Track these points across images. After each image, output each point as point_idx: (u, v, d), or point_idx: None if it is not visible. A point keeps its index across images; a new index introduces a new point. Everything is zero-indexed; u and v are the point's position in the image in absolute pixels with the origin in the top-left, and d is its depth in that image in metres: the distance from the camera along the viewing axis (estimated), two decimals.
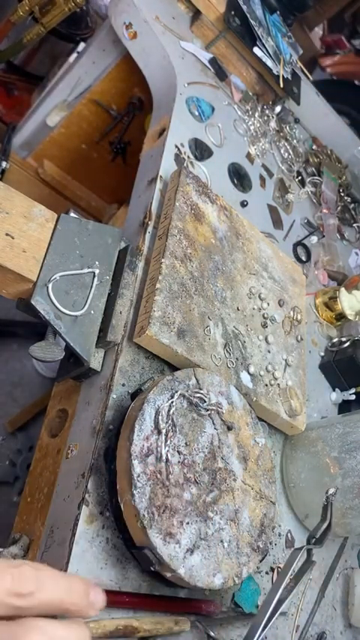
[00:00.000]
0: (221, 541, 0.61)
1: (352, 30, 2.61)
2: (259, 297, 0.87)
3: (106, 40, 1.29)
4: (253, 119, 1.23)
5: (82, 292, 0.68)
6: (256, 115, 1.24)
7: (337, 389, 1.03)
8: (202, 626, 0.62)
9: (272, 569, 0.76)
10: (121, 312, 0.71)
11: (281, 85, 1.25)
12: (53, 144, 1.48)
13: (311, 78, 1.55)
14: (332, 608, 0.83)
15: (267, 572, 0.75)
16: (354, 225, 1.43)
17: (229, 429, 0.68)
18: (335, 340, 1.07)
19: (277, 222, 1.15)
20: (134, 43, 1.12)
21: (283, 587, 0.59)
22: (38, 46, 1.81)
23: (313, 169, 1.38)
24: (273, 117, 1.29)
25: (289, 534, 0.81)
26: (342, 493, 0.75)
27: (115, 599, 0.56)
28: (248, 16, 1.19)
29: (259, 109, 1.27)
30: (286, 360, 0.86)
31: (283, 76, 1.26)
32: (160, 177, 0.88)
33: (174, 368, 0.73)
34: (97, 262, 0.71)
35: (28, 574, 0.31)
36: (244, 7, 1.19)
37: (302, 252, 1.17)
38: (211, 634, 0.62)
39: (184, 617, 0.61)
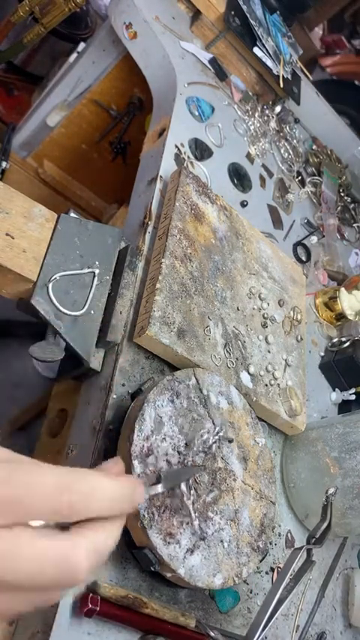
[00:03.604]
0: (221, 541, 0.61)
1: (352, 30, 2.61)
2: (259, 297, 0.87)
3: (106, 40, 1.29)
4: (253, 119, 1.23)
5: (82, 292, 0.68)
6: (256, 115, 1.24)
7: (337, 389, 1.03)
8: (203, 626, 0.62)
9: (272, 569, 0.76)
10: (121, 312, 0.71)
11: (281, 85, 1.25)
12: (53, 144, 1.48)
13: (311, 78, 1.55)
14: (332, 608, 0.83)
15: (267, 572, 0.75)
16: (354, 225, 1.43)
17: (230, 442, 0.68)
18: (335, 340, 1.07)
19: (277, 222, 1.15)
20: (134, 43, 1.12)
21: (283, 587, 0.59)
22: (38, 46, 1.81)
23: (313, 169, 1.38)
24: (273, 117, 1.29)
25: (289, 534, 0.81)
26: (342, 493, 0.75)
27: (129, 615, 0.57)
28: (248, 16, 1.19)
29: (259, 109, 1.27)
30: (286, 360, 0.86)
31: (283, 76, 1.26)
32: (160, 177, 0.88)
33: (174, 368, 0.73)
34: (97, 262, 0.71)
35: (77, 496, 0.31)
36: (244, 7, 1.19)
37: (302, 252, 1.17)
38: (211, 634, 0.62)
39: (191, 613, 0.61)
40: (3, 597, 0.30)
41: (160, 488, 0.43)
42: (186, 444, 0.62)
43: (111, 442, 0.63)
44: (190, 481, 0.59)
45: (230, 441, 0.67)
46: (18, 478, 0.30)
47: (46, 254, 0.66)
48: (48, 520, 0.30)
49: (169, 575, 0.58)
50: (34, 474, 0.30)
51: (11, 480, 0.30)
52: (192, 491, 0.59)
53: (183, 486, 0.57)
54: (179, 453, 0.61)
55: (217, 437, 0.65)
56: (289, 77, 1.30)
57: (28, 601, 0.31)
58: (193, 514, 0.58)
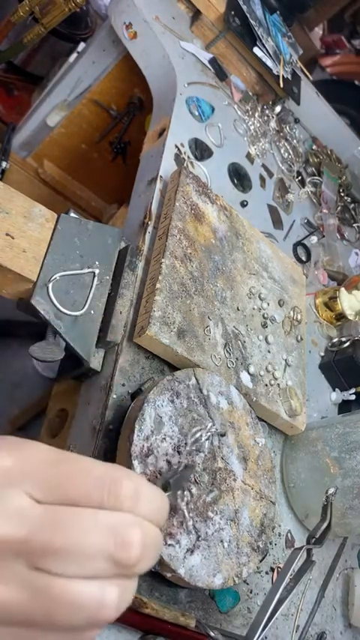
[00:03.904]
0: (221, 541, 0.61)
1: (352, 30, 2.61)
2: (259, 297, 0.87)
3: (106, 40, 1.29)
4: (253, 119, 1.23)
5: (82, 292, 0.68)
6: (256, 115, 1.24)
7: (337, 389, 1.03)
8: (203, 626, 0.62)
9: (272, 569, 0.76)
10: (121, 312, 0.71)
11: (281, 85, 1.25)
12: (53, 144, 1.48)
13: (311, 78, 1.55)
14: (332, 608, 0.83)
15: (267, 572, 0.75)
16: (354, 225, 1.43)
17: (222, 435, 0.67)
18: (335, 340, 1.07)
19: (277, 222, 1.15)
20: (134, 43, 1.12)
21: (283, 587, 0.59)
22: (38, 46, 1.81)
23: (313, 169, 1.38)
24: (273, 117, 1.29)
25: (289, 534, 0.81)
26: (342, 493, 0.75)
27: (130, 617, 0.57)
28: (248, 16, 1.19)
29: (259, 109, 1.27)
30: (286, 360, 0.86)
31: (283, 76, 1.26)
32: (160, 177, 0.88)
33: (174, 368, 0.73)
34: (97, 262, 0.71)
35: (126, 489, 0.29)
36: (244, 7, 1.19)
37: (302, 252, 1.17)
38: (211, 634, 0.62)
39: (191, 613, 0.61)
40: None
41: (168, 498, 0.42)
42: (186, 443, 0.62)
43: (111, 442, 0.63)
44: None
45: (222, 435, 0.67)
46: (67, 462, 0.29)
47: (46, 254, 0.66)
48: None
49: (169, 575, 0.58)
50: (83, 462, 0.30)
51: (60, 463, 0.29)
52: (185, 493, 0.59)
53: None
54: (179, 453, 0.61)
55: (209, 433, 0.64)
56: (289, 77, 1.30)
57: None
58: (187, 515, 0.58)
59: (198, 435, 0.63)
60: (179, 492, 0.56)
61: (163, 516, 0.32)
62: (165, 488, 0.42)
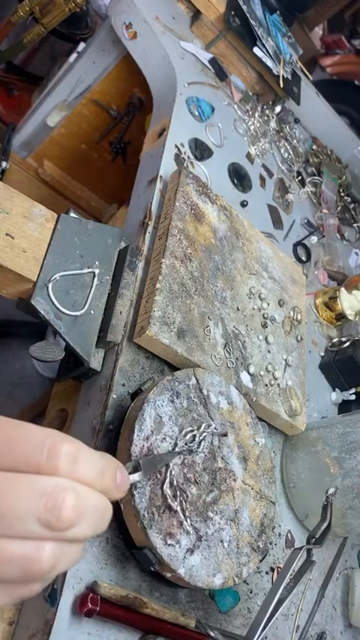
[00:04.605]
0: (221, 541, 0.61)
1: (352, 30, 2.61)
2: (259, 297, 0.87)
3: (106, 40, 1.29)
4: (253, 119, 1.23)
5: (82, 292, 0.68)
6: (256, 115, 1.24)
7: (337, 389, 1.03)
8: (203, 626, 0.62)
9: (272, 569, 0.76)
10: (121, 312, 0.71)
11: (281, 85, 1.25)
12: (53, 144, 1.48)
13: (311, 78, 1.54)
14: (332, 608, 0.83)
15: (267, 572, 0.75)
16: (354, 225, 1.43)
17: (224, 435, 0.67)
18: (335, 340, 1.07)
19: (277, 222, 1.15)
20: (134, 43, 1.12)
21: (283, 587, 0.59)
22: (38, 46, 1.81)
23: (313, 169, 1.38)
24: (273, 117, 1.29)
25: (289, 534, 0.81)
26: (342, 493, 0.75)
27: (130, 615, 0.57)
28: (248, 16, 1.19)
29: (259, 109, 1.27)
30: (286, 360, 0.86)
31: (283, 76, 1.26)
32: (160, 177, 0.88)
33: (174, 368, 0.73)
34: (97, 262, 0.71)
35: (64, 453, 0.30)
36: (244, 7, 1.19)
37: (302, 252, 1.17)
38: (211, 634, 0.62)
39: (191, 613, 0.61)
40: None
41: (138, 476, 0.43)
42: (185, 443, 0.62)
43: (111, 442, 0.63)
44: (175, 482, 0.59)
45: (223, 435, 0.67)
46: (7, 429, 0.30)
47: (46, 254, 0.66)
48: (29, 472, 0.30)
49: (169, 575, 0.58)
50: (24, 428, 0.30)
51: (0, 430, 0.30)
52: (178, 492, 0.59)
53: (167, 488, 0.57)
54: (180, 453, 0.61)
55: (204, 434, 0.64)
56: (289, 77, 1.30)
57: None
58: (181, 515, 0.58)
59: (189, 436, 0.62)
60: (151, 473, 0.56)
61: (107, 482, 0.32)
62: (136, 468, 0.42)
